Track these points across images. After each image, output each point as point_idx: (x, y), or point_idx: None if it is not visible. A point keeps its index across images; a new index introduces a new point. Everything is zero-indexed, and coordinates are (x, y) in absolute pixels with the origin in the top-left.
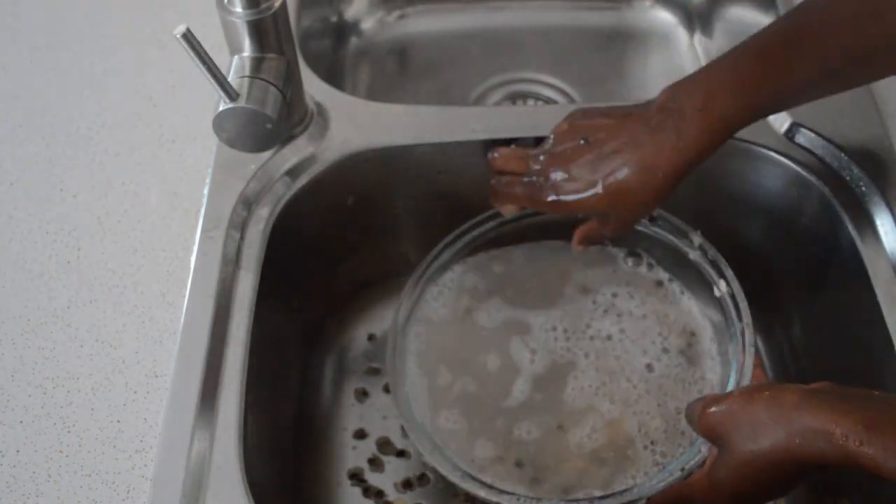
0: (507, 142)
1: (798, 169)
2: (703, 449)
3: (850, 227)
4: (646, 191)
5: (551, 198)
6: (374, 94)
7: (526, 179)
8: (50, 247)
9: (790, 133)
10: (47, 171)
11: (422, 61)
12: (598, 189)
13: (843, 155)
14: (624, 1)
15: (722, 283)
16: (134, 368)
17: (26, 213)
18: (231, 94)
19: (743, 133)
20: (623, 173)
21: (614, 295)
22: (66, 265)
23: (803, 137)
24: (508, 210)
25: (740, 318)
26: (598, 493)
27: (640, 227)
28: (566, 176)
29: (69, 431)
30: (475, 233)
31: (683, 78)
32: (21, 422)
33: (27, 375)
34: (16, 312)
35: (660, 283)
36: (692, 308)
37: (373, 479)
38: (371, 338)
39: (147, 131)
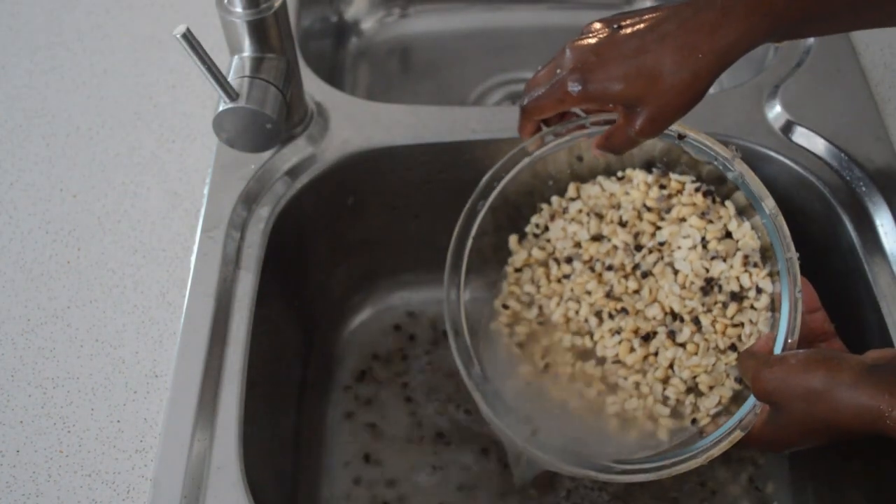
0: (506, 141)
1: (798, 169)
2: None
3: (850, 227)
4: (683, 75)
5: (575, 88)
6: (374, 95)
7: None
8: (50, 247)
9: (790, 133)
10: (47, 171)
11: (422, 61)
12: (629, 68)
13: (843, 155)
14: (624, 1)
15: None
16: (134, 368)
17: (26, 213)
18: (231, 93)
19: (743, 133)
20: (658, 51)
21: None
22: (66, 265)
23: (803, 137)
24: (534, 145)
25: (786, 248)
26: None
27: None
28: (593, 59)
29: (69, 431)
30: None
31: None
32: (21, 422)
33: (27, 375)
34: (16, 312)
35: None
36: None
37: (373, 479)
38: (371, 338)
39: (147, 131)
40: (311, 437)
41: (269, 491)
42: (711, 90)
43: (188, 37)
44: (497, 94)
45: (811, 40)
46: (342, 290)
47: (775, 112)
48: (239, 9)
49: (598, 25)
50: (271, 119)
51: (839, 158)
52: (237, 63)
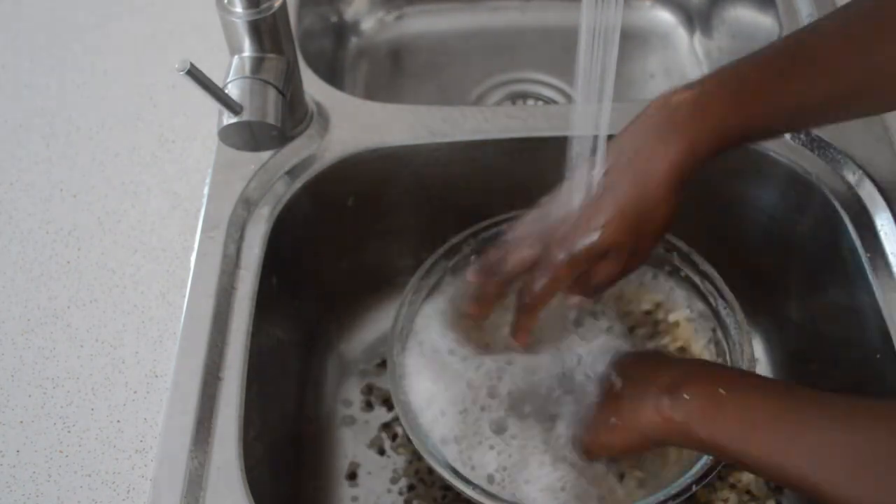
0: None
1: (798, 169)
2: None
3: (850, 227)
4: (650, 199)
5: (561, 256)
6: (373, 94)
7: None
8: (50, 247)
9: (791, 134)
10: (47, 171)
11: (422, 61)
12: (604, 219)
13: (843, 155)
14: (624, 1)
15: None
16: (134, 368)
17: (26, 213)
18: (235, 108)
19: None
20: (622, 189)
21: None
22: (66, 265)
23: (803, 137)
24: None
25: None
26: None
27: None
28: (563, 230)
29: (69, 431)
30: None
31: (681, 85)
32: (21, 422)
33: (27, 375)
34: (16, 312)
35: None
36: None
37: (372, 479)
38: (371, 338)
39: (147, 131)
40: (311, 437)
41: (269, 491)
42: None
43: (192, 72)
44: (497, 94)
45: None
46: (342, 290)
47: None
48: (239, 9)
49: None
50: (276, 127)
51: (839, 158)
52: (237, 63)
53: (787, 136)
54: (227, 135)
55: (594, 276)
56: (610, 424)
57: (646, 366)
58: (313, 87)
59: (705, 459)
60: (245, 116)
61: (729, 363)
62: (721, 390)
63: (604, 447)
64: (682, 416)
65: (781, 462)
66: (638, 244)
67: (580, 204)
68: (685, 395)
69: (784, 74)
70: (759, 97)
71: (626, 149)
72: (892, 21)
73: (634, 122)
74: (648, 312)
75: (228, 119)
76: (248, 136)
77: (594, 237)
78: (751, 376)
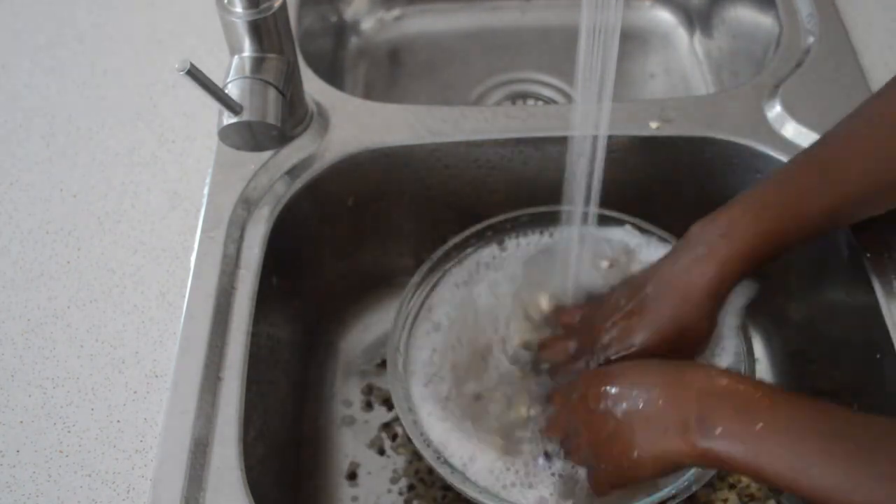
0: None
1: None
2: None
3: (850, 227)
4: (687, 318)
5: (598, 357)
6: (374, 94)
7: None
8: (50, 247)
9: (790, 133)
10: (47, 171)
11: (422, 61)
12: (642, 337)
13: None
14: (624, 1)
15: None
16: (134, 368)
17: (26, 213)
18: (235, 108)
19: (743, 134)
20: (661, 307)
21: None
22: (66, 265)
23: (803, 137)
24: None
25: None
26: None
27: None
28: (611, 331)
29: (69, 431)
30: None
31: (716, 211)
32: (21, 422)
33: (27, 375)
34: (16, 312)
35: None
36: None
37: (372, 479)
38: (371, 338)
39: (147, 131)
40: (311, 437)
41: (269, 491)
42: (712, 90)
43: (193, 72)
44: (497, 94)
45: (811, 39)
46: (342, 290)
47: (775, 112)
48: (239, 9)
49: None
50: (276, 127)
51: None
52: (237, 63)
53: (787, 135)
54: (227, 135)
55: None
56: (624, 461)
57: (643, 390)
58: (313, 87)
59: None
60: (245, 116)
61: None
62: (757, 426)
63: (616, 482)
64: (716, 445)
65: (830, 489)
66: (674, 357)
67: (620, 316)
68: (717, 429)
69: (803, 191)
70: (782, 218)
71: (669, 270)
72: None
73: (677, 246)
74: None
75: (228, 119)
76: (248, 136)
77: (633, 345)
78: (771, 392)
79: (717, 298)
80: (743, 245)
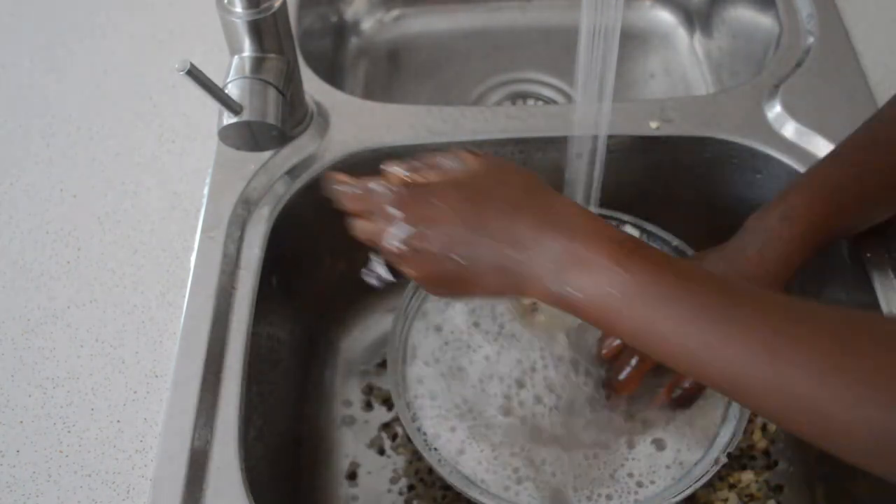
0: (508, 141)
1: (798, 169)
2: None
3: None
4: None
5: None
6: (373, 94)
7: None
8: (50, 247)
9: (790, 133)
10: (47, 171)
11: (422, 61)
12: None
13: None
14: (624, 1)
15: None
16: (134, 368)
17: (26, 213)
18: (234, 108)
19: (743, 134)
20: None
21: None
22: (66, 265)
23: (803, 137)
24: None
25: None
26: None
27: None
28: None
29: (69, 431)
30: None
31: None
32: (21, 422)
33: (27, 375)
34: (16, 312)
35: None
36: None
37: (372, 479)
38: (371, 338)
39: (147, 131)
40: (311, 437)
41: (269, 491)
42: (712, 90)
43: (193, 72)
44: (497, 94)
45: (811, 39)
46: (342, 290)
47: (775, 112)
48: (239, 9)
49: None
50: (275, 127)
51: None
52: (237, 63)
53: (787, 135)
54: (227, 135)
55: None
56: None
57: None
58: (313, 87)
59: (705, 462)
60: (245, 116)
61: None
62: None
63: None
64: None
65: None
66: None
67: None
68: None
69: (860, 168)
70: (842, 197)
71: (724, 262)
72: None
73: (736, 238)
74: None
75: (228, 119)
76: (247, 136)
77: None
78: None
79: (782, 286)
80: (805, 227)
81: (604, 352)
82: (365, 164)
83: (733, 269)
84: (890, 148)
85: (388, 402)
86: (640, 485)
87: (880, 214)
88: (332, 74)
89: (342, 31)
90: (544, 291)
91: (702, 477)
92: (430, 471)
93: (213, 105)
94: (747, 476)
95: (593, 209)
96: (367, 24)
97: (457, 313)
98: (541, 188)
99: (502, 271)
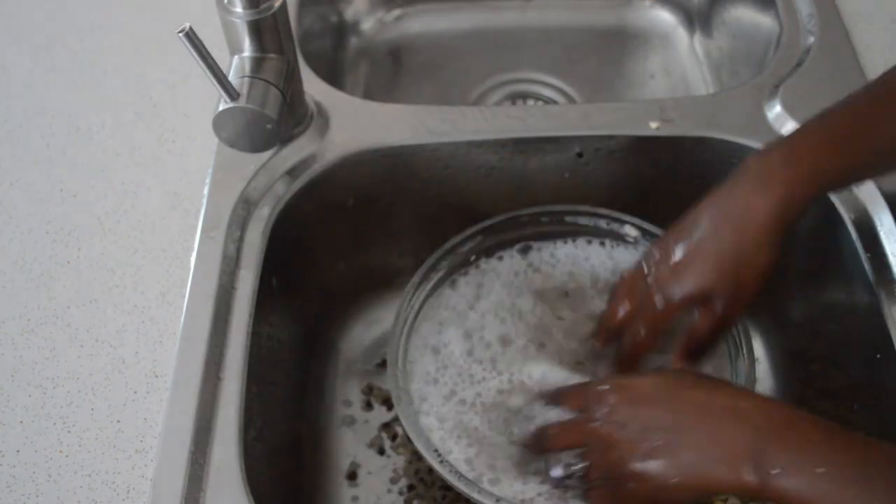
0: (508, 141)
1: None
2: None
3: (850, 227)
4: (745, 251)
5: (659, 303)
6: (373, 94)
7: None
8: (50, 247)
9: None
10: (47, 171)
11: (422, 61)
12: (695, 268)
13: None
14: (624, 1)
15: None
16: (134, 368)
17: (26, 213)
18: (231, 93)
19: (743, 134)
20: (720, 236)
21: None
22: (66, 265)
23: None
24: None
25: None
26: None
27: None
28: (667, 272)
29: (69, 431)
30: (475, 239)
31: (773, 141)
32: (21, 422)
33: (27, 375)
34: (16, 312)
35: None
36: None
37: (372, 479)
38: (371, 338)
39: (147, 131)
40: (311, 437)
41: (269, 491)
42: (712, 90)
43: (190, 35)
44: (497, 94)
45: (811, 39)
46: (342, 290)
47: (775, 112)
48: (239, 9)
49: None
50: (271, 119)
51: None
52: (237, 63)
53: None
54: (222, 124)
55: (695, 332)
56: (661, 483)
57: (686, 416)
58: (313, 87)
59: None
60: (242, 103)
61: (730, 365)
62: (818, 470)
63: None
64: (773, 483)
65: None
66: (737, 292)
67: (680, 253)
68: (775, 469)
69: (871, 118)
70: (849, 142)
71: (724, 201)
72: None
73: (731, 178)
74: None
75: (224, 104)
76: (242, 129)
77: (692, 281)
78: (830, 430)
79: (782, 227)
80: (810, 168)
81: (597, 344)
82: (365, 164)
83: (728, 213)
84: None
85: (388, 402)
86: None
87: (894, 165)
88: (332, 74)
89: (342, 31)
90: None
91: None
92: (430, 471)
93: (212, 105)
94: None
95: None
96: (367, 24)
97: (456, 314)
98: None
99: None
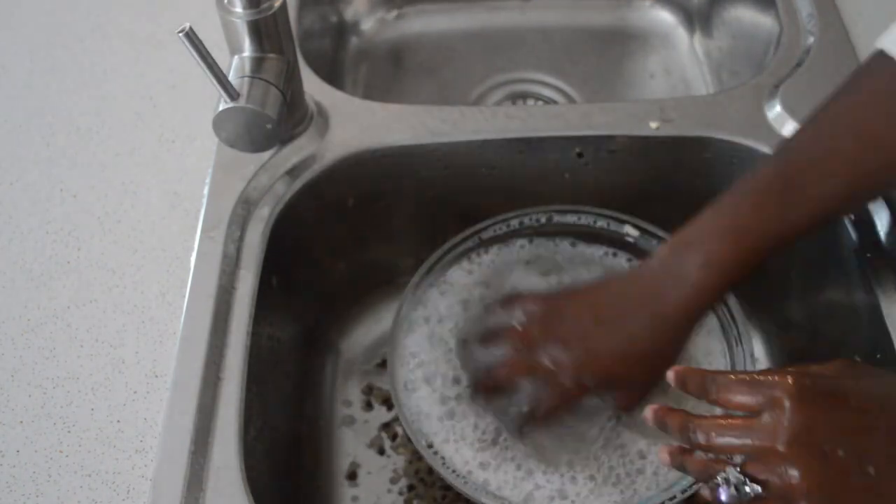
0: (508, 141)
1: None
2: None
3: (850, 227)
4: (661, 341)
5: (569, 384)
6: (373, 94)
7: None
8: (50, 247)
9: (791, 133)
10: (47, 171)
11: (422, 61)
12: (610, 358)
13: None
14: (624, 1)
15: None
16: (134, 368)
17: (26, 213)
18: (232, 93)
19: (743, 134)
20: (635, 326)
21: None
22: (66, 265)
23: None
24: None
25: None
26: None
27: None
28: (576, 357)
29: (69, 431)
30: (475, 239)
31: (680, 232)
32: (21, 422)
33: (27, 375)
34: (16, 312)
35: None
36: None
37: (372, 479)
38: (371, 338)
39: (147, 131)
40: (311, 437)
41: (269, 491)
42: (712, 90)
43: (190, 35)
44: (497, 94)
45: (811, 39)
46: (342, 290)
47: (775, 112)
48: (239, 9)
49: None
50: (271, 119)
51: None
52: (237, 63)
53: (787, 135)
54: (222, 124)
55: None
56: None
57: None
58: (313, 87)
59: None
60: (242, 103)
61: (728, 360)
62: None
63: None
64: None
65: None
66: (630, 386)
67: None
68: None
69: (780, 207)
70: (762, 240)
71: (637, 290)
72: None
73: (645, 267)
74: None
75: (224, 104)
76: (242, 129)
77: (603, 372)
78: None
79: (694, 323)
80: (719, 278)
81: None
82: (365, 164)
83: (636, 292)
84: (812, 183)
85: (388, 402)
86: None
87: (807, 234)
88: (332, 74)
89: (342, 31)
90: None
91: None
92: (430, 471)
93: (212, 105)
94: None
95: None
96: (367, 24)
97: (454, 313)
98: None
99: None
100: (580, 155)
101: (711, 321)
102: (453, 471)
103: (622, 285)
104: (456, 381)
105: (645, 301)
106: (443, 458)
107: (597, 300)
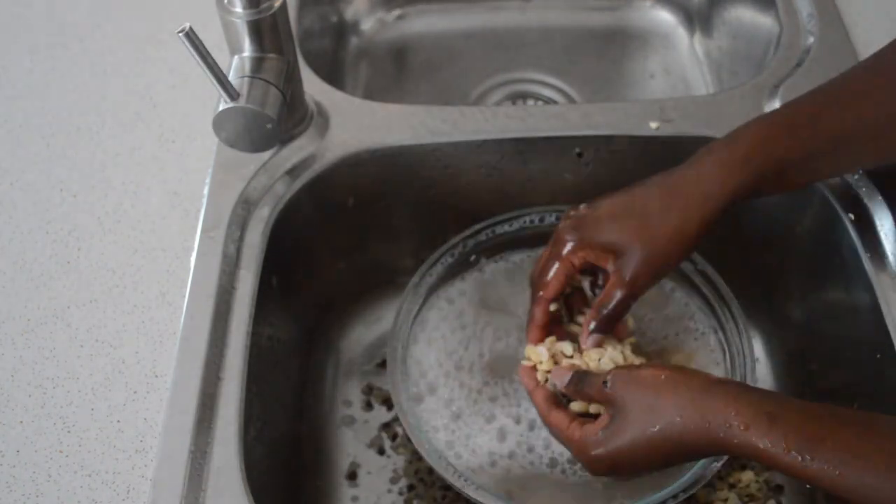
0: (508, 141)
1: None
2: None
3: (850, 227)
4: (672, 218)
5: (570, 241)
6: (373, 94)
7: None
8: (50, 247)
9: None
10: (47, 171)
11: (422, 61)
12: (618, 215)
13: None
14: (624, 1)
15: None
16: (134, 368)
17: (26, 213)
18: (231, 93)
19: None
20: (645, 197)
21: None
22: (66, 265)
23: None
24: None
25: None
26: None
27: None
28: (585, 213)
29: (69, 431)
30: (475, 239)
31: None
32: (21, 422)
33: (27, 375)
34: (16, 312)
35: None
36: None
37: (372, 479)
38: (371, 338)
39: (147, 131)
40: (311, 437)
41: (269, 491)
42: (712, 90)
43: (190, 35)
44: (497, 94)
45: (811, 39)
46: (342, 290)
47: None
48: (239, 9)
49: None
50: (271, 119)
51: None
52: (237, 63)
53: None
54: (221, 124)
55: (604, 298)
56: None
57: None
58: (313, 87)
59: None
60: (242, 103)
61: (728, 360)
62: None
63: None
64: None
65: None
66: (649, 256)
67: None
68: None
69: (832, 105)
70: (807, 128)
71: (676, 175)
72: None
73: (692, 157)
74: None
75: (224, 104)
76: (242, 129)
77: (607, 232)
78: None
79: (721, 207)
80: (748, 150)
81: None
82: (365, 163)
83: (674, 184)
84: (871, 96)
85: (388, 402)
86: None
87: (850, 163)
88: (332, 74)
89: (342, 31)
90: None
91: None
92: (431, 471)
93: (212, 105)
94: (747, 476)
95: None
96: (367, 24)
97: (452, 314)
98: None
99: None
100: (580, 155)
101: (711, 321)
102: (454, 471)
103: (653, 180)
104: (456, 379)
105: (679, 182)
106: (443, 457)
107: (630, 190)
